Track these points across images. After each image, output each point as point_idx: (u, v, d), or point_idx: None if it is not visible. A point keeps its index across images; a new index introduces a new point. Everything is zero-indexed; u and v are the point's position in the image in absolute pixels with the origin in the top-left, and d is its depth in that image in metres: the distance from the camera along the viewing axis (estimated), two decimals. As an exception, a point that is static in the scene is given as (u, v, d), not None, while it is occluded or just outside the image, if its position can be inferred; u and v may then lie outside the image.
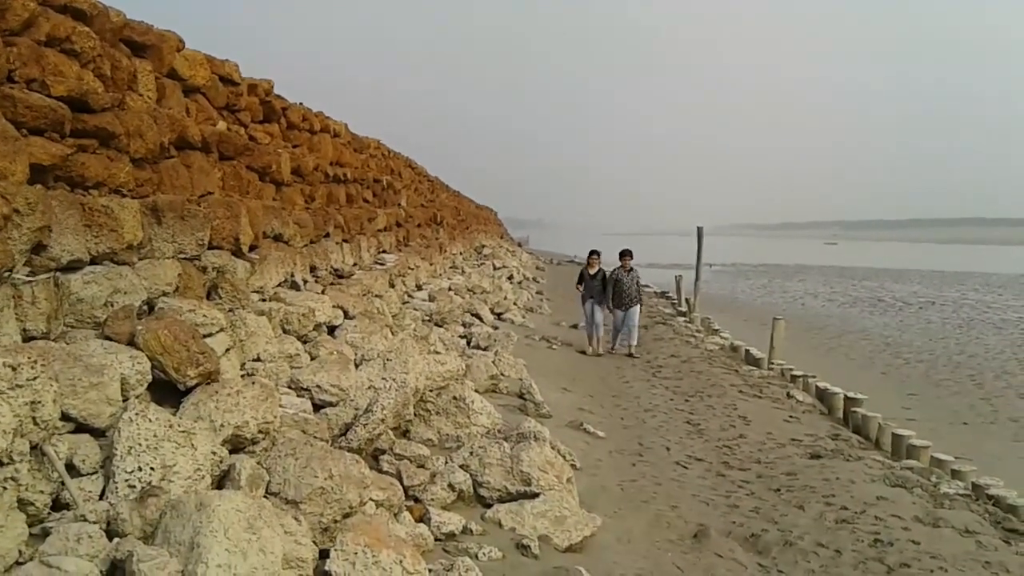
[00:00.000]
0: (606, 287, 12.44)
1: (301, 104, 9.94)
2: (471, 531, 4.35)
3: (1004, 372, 14.85)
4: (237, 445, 4.00)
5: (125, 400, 3.72)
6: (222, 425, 3.91)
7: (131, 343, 4.09)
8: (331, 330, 7.24)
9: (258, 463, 3.75)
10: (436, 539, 4.13)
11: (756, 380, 10.98)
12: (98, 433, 3.55)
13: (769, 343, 13.01)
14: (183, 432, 3.48)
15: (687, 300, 19.91)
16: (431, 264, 15.28)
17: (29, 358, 3.13)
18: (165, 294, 5.06)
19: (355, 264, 10.49)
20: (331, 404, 5.39)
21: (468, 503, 4.81)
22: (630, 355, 12.30)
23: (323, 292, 7.84)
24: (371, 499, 3.98)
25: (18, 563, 2.77)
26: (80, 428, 3.51)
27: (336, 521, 3.62)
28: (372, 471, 4.34)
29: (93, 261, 4.51)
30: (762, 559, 4.89)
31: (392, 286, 11.01)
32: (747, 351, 13.31)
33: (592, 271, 12.69)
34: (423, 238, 17.37)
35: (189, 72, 6.62)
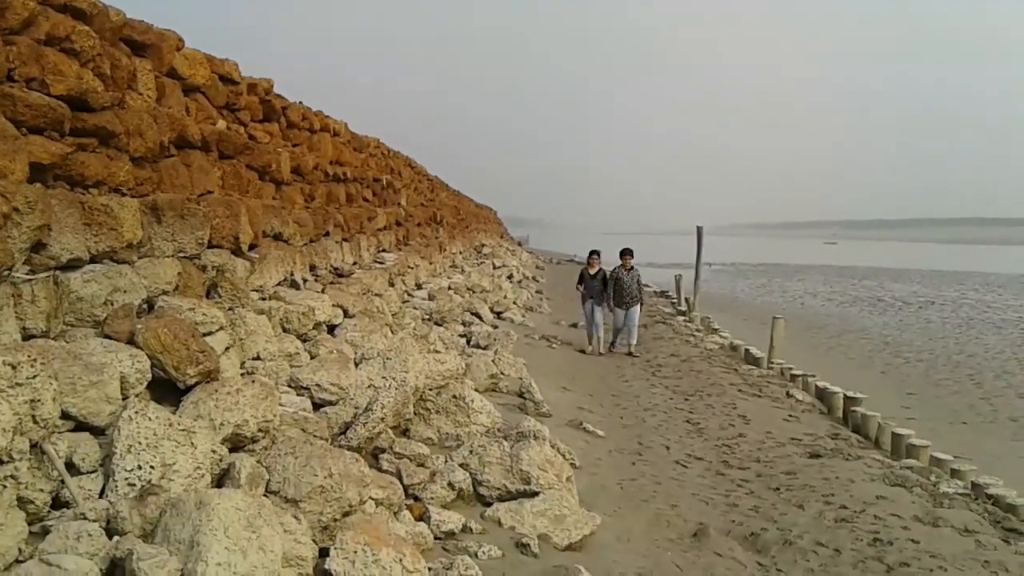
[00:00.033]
0: (606, 286, 12.45)
1: (301, 103, 9.94)
2: (471, 530, 4.35)
3: (1004, 371, 14.85)
4: (237, 444, 4.00)
5: (125, 399, 3.73)
6: (222, 424, 3.91)
7: (131, 342, 4.09)
8: (331, 329, 7.24)
9: (258, 462, 3.75)
10: (436, 538, 4.14)
11: (755, 379, 10.98)
12: (98, 431, 3.55)
13: (769, 342, 13.01)
14: (183, 431, 3.48)
15: (687, 299, 19.91)
16: (431, 263, 15.29)
17: (29, 356, 3.13)
18: (165, 293, 5.06)
19: (355, 263, 10.49)
20: (331, 403, 5.39)
21: (468, 502, 4.81)
22: (630, 354, 12.30)
23: (323, 291, 7.84)
24: (371, 498, 3.99)
25: (18, 561, 2.77)
26: (80, 426, 3.51)
27: (336, 520, 3.62)
28: (372, 470, 4.34)
29: (93, 260, 4.51)
30: (761, 558, 4.89)
31: (392, 285, 11.02)
32: (747, 350, 13.31)
33: (592, 271, 12.69)
34: (423, 237, 17.37)
35: (189, 71, 6.62)
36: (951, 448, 8.24)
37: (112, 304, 4.38)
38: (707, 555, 4.76)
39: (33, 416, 3.10)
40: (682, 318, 18.07)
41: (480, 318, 12.47)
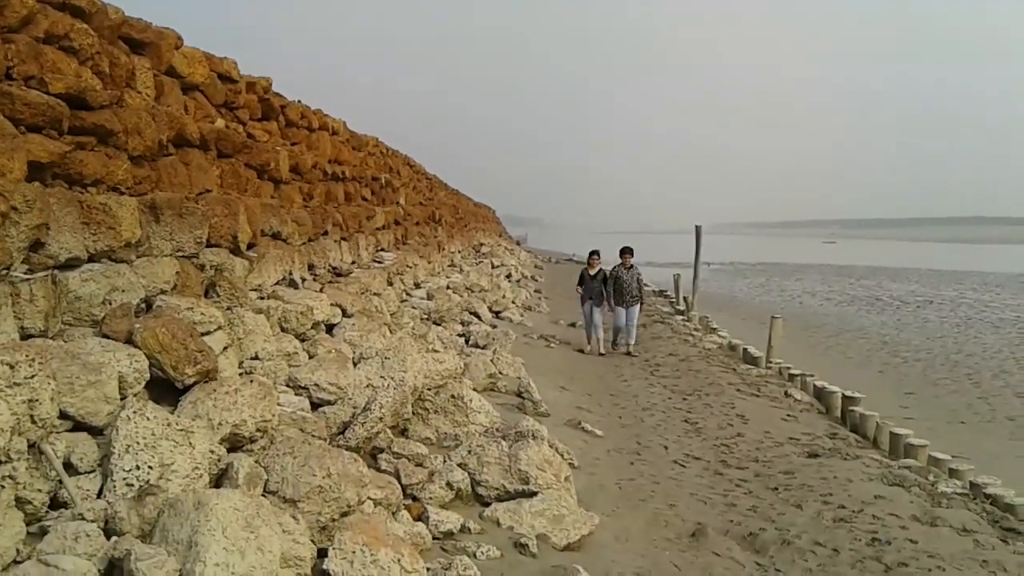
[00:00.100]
0: (606, 285, 12.45)
1: (299, 102, 9.93)
2: (469, 530, 4.35)
3: (1002, 371, 14.86)
4: (235, 444, 3.99)
5: (123, 398, 3.72)
6: (220, 423, 3.90)
7: (129, 341, 4.09)
8: (329, 328, 7.23)
9: (256, 462, 3.75)
10: (434, 538, 4.13)
11: (754, 379, 10.99)
12: (96, 431, 3.54)
13: (767, 342, 13.03)
14: (181, 430, 3.48)
15: (685, 299, 19.92)
16: (429, 262, 15.28)
17: (27, 356, 3.13)
18: (163, 292, 5.05)
19: (353, 262, 10.49)
20: (329, 402, 5.39)
21: (466, 502, 4.81)
22: (628, 354, 12.31)
23: (321, 290, 7.84)
24: (369, 498, 3.99)
25: (16, 561, 2.77)
26: (78, 426, 3.51)
27: (334, 520, 3.62)
28: (370, 470, 4.34)
29: (91, 259, 4.51)
30: (760, 558, 4.89)
31: (390, 284, 11.01)
32: (745, 350, 13.32)
33: (592, 271, 12.70)
34: (421, 236, 17.37)
35: (188, 69, 6.60)
36: (949, 448, 8.26)
37: (110, 303, 4.37)
38: (705, 555, 4.76)
39: (31, 416, 3.09)
40: (680, 317, 18.08)
41: (479, 317, 12.47)
